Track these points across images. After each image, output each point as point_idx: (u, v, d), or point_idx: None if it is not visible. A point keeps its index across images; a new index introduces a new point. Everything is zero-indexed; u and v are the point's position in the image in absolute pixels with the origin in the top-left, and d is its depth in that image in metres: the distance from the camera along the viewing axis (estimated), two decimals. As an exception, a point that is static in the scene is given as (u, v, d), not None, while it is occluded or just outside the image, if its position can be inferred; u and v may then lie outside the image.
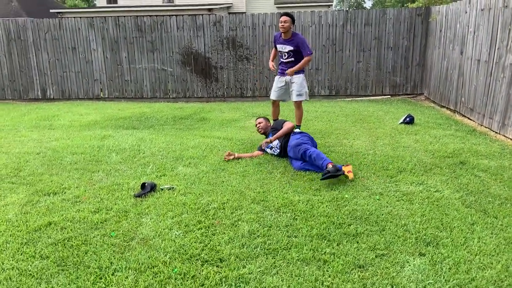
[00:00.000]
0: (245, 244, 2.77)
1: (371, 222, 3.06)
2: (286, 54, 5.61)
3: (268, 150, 4.90)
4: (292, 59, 5.60)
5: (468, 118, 6.82)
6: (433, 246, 2.71)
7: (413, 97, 9.60)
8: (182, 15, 9.96)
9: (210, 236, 2.90)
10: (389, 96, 9.68)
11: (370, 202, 3.42)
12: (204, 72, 9.97)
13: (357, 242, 2.78)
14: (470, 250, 2.66)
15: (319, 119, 7.09)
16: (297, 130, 5.44)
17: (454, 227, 2.97)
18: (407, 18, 9.29)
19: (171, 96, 10.17)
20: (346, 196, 3.56)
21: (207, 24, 9.69)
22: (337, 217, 3.15)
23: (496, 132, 5.81)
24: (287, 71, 5.62)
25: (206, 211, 3.30)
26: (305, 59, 5.59)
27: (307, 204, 3.41)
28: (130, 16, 10.26)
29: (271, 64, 5.85)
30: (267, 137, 5.05)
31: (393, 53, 9.49)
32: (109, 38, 9.99)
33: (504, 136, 5.58)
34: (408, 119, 6.37)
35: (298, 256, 2.61)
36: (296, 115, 5.89)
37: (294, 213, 3.24)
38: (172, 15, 10.04)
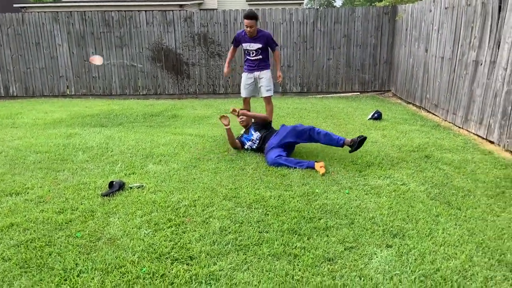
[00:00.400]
0: (216, 241, 2.76)
1: (340, 216, 3.11)
2: (254, 52, 5.63)
3: (247, 143, 4.91)
4: (260, 56, 5.65)
5: (433, 114, 7.03)
6: (400, 238, 2.78)
7: (381, 93, 9.82)
8: (152, 10, 9.79)
9: (181, 234, 2.86)
10: (358, 93, 9.86)
11: (340, 196, 3.47)
12: (175, 68, 9.84)
13: (327, 236, 2.81)
14: (435, 241, 2.74)
15: (291, 116, 7.14)
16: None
17: (420, 219, 3.06)
18: (374, 17, 9.47)
19: (141, 93, 9.99)
20: (317, 190, 3.60)
21: (177, 20, 9.55)
22: (308, 212, 3.18)
23: (459, 127, 6.02)
24: (278, 80, 5.85)
25: (176, 209, 3.26)
26: (277, 54, 5.77)
27: (278, 199, 3.43)
28: (97, 10, 9.98)
29: (226, 70, 5.85)
30: (248, 131, 5.03)
31: (362, 51, 9.66)
32: (75, 33, 9.70)
33: (467, 130, 5.79)
34: (376, 115, 6.51)
35: (269, 251, 2.62)
36: (267, 110, 5.91)
37: (266, 209, 3.25)
38: (142, 10, 9.85)
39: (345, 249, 2.64)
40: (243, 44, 5.63)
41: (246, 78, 5.82)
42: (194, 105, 8.53)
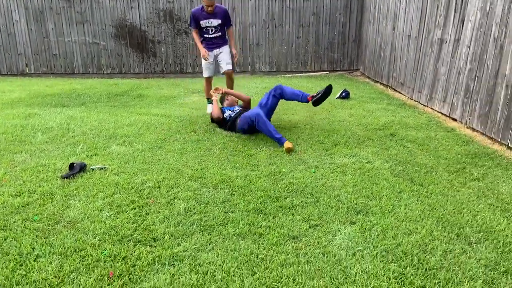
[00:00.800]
0: (181, 222, 2.71)
1: (306, 195, 3.12)
2: (213, 28, 5.47)
3: (227, 112, 4.98)
4: (220, 33, 5.53)
5: (399, 93, 7.15)
6: (363, 215, 2.82)
7: (349, 72, 9.88)
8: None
9: (144, 216, 2.80)
10: (327, 72, 9.89)
11: (307, 175, 3.48)
12: (140, 46, 9.52)
13: (292, 215, 2.82)
14: (397, 217, 2.80)
15: (260, 95, 7.08)
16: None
17: (383, 195, 3.11)
18: (344, -6, 9.43)
19: (105, 72, 9.63)
20: (284, 170, 3.60)
21: (141, -5, 9.19)
22: (274, 191, 3.17)
23: (424, 105, 6.15)
24: (235, 59, 5.71)
25: (140, 191, 3.18)
26: (232, 32, 5.73)
27: (245, 179, 3.40)
28: (56, -16, 9.45)
29: (204, 52, 5.42)
30: (233, 112, 5.01)
31: (331, 29, 9.64)
32: (33, 8, 9.17)
33: (431, 108, 5.92)
34: (344, 93, 6.55)
35: (234, 231, 2.60)
36: (227, 85, 5.78)
37: (232, 189, 3.22)
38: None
39: (309, 227, 2.66)
40: (202, 22, 5.41)
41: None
42: (160, 85, 8.31)
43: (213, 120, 5.00)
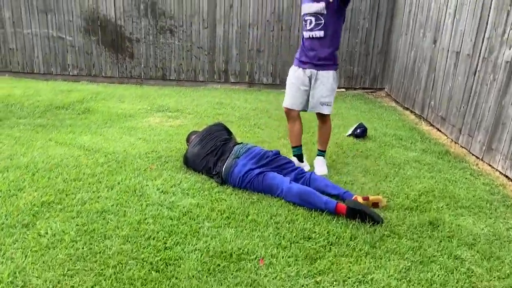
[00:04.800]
0: None
1: None
2: (312, 19, 3.24)
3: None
4: (322, 32, 3.24)
5: (438, 130, 5.15)
6: None
7: (372, 92, 7.89)
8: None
9: None
10: (343, 90, 7.91)
11: None
12: (115, 44, 7.77)
13: None
14: None
15: (244, 120, 5.20)
16: (320, 159, 3.65)
17: None
18: (370, -7, 7.47)
19: (71, 73, 7.91)
20: None
21: (118, -18, 7.44)
22: None
23: (477, 157, 4.15)
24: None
25: None
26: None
27: None
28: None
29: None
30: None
31: (351, 36, 7.67)
32: (-11, -8, 7.54)
33: (490, 165, 3.92)
34: (358, 130, 4.59)
35: None
36: (319, 135, 3.67)
37: None
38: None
39: None
40: (302, 6, 3.34)
41: (295, 76, 3.45)
42: (124, 95, 6.49)
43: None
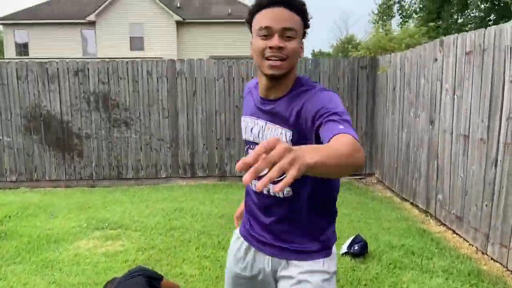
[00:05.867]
0: None
1: None
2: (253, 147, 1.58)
3: None
4: (291, 192, 1.49)
5: (454, 232, 4.04)
6: None
7: (361, 178, 6.88)
8: (26, 59, 6.83)
9: None
10: (328, 177, 6.89)
11: None
12: (61, 143, 6.71)
13: None
14: None
15: (204, 235, 4.00)
16: None
17: None
18: (347, 72, 6.79)
19: (8, 179, 6.71)
20: None
21: (64, 74, 6.59)
22: None
23: (523, 280, 3.01)
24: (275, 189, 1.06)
25: None
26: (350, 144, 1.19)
27: None
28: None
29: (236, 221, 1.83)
30: None
31: (331, 118, 6.84)
32: None
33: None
34: (356, 247, 3.43)
35: None
36: None
37: None
38: (9, 59, 6.87)
39: None
40: (244, 118, 1.60)
41: (235, 256, 1.67)
42: (61, 206, 5.23)
43: None
